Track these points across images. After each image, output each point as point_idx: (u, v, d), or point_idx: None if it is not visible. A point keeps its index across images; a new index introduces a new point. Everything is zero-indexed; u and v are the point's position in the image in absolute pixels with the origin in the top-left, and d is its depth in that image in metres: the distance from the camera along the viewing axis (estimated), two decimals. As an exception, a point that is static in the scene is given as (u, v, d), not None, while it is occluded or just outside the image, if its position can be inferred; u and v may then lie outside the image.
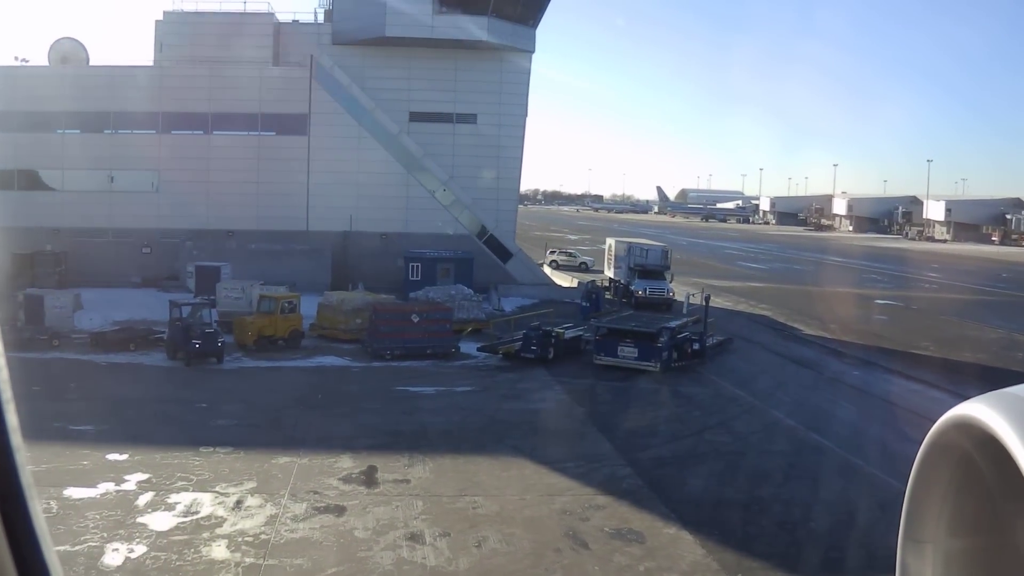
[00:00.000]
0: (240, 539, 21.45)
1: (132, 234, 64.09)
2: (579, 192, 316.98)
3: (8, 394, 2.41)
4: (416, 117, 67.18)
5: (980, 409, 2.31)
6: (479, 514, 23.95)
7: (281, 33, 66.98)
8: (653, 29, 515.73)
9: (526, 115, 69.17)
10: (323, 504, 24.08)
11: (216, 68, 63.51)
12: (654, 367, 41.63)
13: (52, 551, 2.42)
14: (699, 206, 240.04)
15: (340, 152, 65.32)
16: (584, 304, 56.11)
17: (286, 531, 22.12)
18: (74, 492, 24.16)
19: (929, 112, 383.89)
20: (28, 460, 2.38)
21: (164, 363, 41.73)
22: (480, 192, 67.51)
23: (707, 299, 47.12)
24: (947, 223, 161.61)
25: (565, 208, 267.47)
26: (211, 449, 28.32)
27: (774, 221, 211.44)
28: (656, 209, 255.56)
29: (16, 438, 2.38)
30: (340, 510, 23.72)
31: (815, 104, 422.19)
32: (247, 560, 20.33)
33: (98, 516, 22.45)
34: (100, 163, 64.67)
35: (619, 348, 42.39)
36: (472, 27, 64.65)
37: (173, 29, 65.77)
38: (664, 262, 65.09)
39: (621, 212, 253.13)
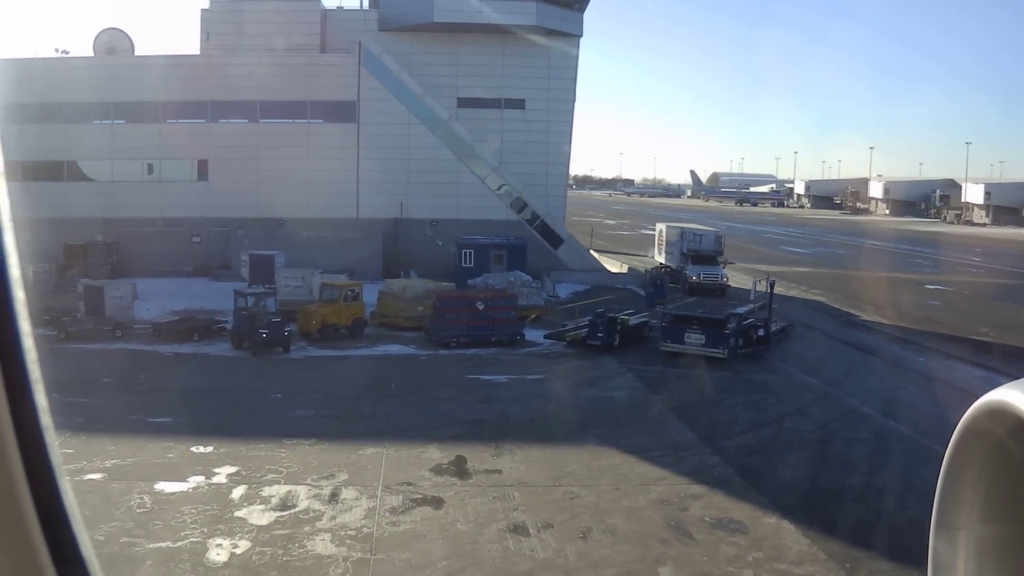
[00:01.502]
0: (343, 533, 21.07)
1: (182, 223, 64.02)
2: (610, 176, 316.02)
3: (37, 374, 2.34)
4: (464, 103, 66.70)
5: (1013, 395, 2.32)
6: (577, 505, 23.59)
7: (327, 19, 66.56)
8: (684, 12, 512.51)
9: (574, 99, 68.77)
10: (419, 496, 23.68)
11: (264, 56, 63.07)
12: (721, 354, 41.06)
13: (83, 528, 2.45)
14: (733, 190, 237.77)
15: (390, 139, 64.83)
16: (649, 291, 55.68)
17: (387, 524, 21.73)
18: (166, 486, 23.90)
19: (964, 94, 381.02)
20: (57, 439, 2.33)
21: (230, 353, 41.46)
22: (529, 178, 66.97)
23: (771, 285, 46.46)
24: (986, 206, 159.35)
25: (597, 192, 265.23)
26: (295, 440, 27.97)
27: (809, 205, 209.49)
28: (689, 193, 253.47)
29: (45, 418, 2.36)
30: (438, 502, 23.32)
31: (848, 87, 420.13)
32: (354, 555, 19.94)
33: (194, 511, 22.13)
34: (149, 153, 64.58)
35: (686, 335, 41.83)
36: (520, 12, 64.16)
37: (219, 17, 65.42)
38: (717, 247, 64.48)
39: (654, 196, 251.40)
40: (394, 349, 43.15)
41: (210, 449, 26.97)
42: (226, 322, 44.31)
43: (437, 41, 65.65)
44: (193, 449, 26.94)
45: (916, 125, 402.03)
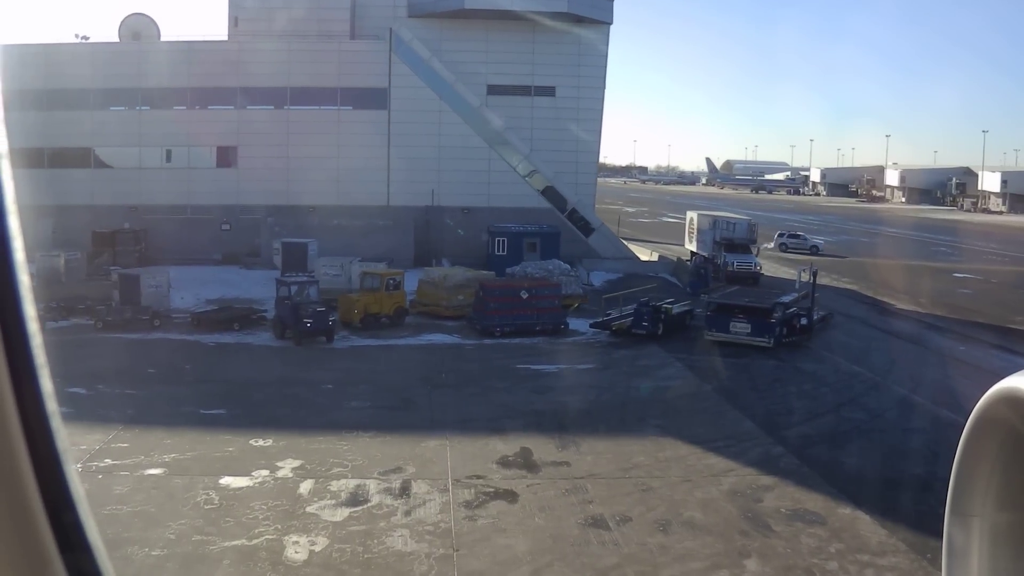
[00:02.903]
0: (420, 528, 20.62)
1: (210, 211, 63.46)
2: (624, 164, 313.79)
3: (42, 359, 2.29)
4: (494, 90, 66.00)
5: None
6: (652, 497, 23.26)
7: (356, 5, 65.65)
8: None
9: (604, 87, 67.92)
10: (491, 489, 23.25)
11: (293, 42, 62.53)
12: (767, 343, 40.76)
13: (88, 515, 2.39)
14: (748, 177, 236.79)
15: (421, 126, 64.18)
16: (692, 280, 55.40)
17: (464, 519, 21.30)
18: (231, 481, 23.39)
19: (981, 81, 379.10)
20: (64, 425, 2.33)
21: (272, 343, 40.83)
22: (559, 166, 66.42)
23: (815, 274, 45.95)
24: (1003, 194, 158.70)
25: (612, 180, 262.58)
26: (354, 433, 27.50)
27: (824, 193, 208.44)
28: (704, 181, 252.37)
29: (51, 403, 2.31)
30: (511, 496, 22.90)
31: (864, 74, 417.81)
32: (437, 551, 19.49)
33: (264, 506, 21.65)
34: (177, 140, 63.92)
35: (731, 324, 41.47)
36: (552, -2, 63.52)
37: (248, 3, 64.63)
38: (751, 236, 63.95)
39: (668, 184, 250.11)
40: (438, 338, 42.61)
41: (269, 442, 26.48)
42: (266, 311, 43.83)
43: (467, 28, 64.92)
44: (252, 442, 26.47)
45: (931, 113, 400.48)
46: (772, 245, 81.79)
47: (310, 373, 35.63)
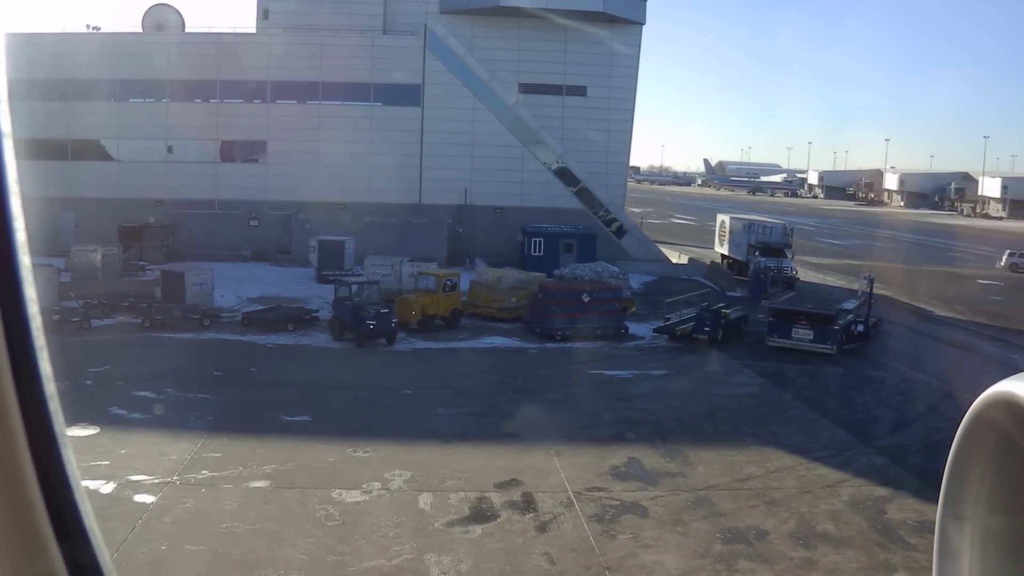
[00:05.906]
0: (561, 544, 19.94)
1: (239, 206, 62.33)
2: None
3: (41, 341, 2.22)
4: (526, 89, 65.10)
5: (1021, 386, 2.22)
6: (778, 511, 22.68)
7: (389, 0, 64.64)
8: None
9: (636, 88, 67.14)
10: (616, 502, 22.53)
11: (325, 37, 61.53)
12: (829, 350, 40.48)
13: (85, 499, 2.33)
14: (745, 179, 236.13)
15: (454, 124, 63.31)
16: (752, 285, 55.11)
17: (601, 534, 20.58)
18: (344, 495, 22.40)
19: (976, 88, 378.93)
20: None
21: (331, 344, 39.79)
22: (590, 166, 65.62)
23: (871, 281, 45.56)
24: (1003, 200, 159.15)
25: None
26: (453, 442, 26.72)
27: (822, 195, 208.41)
28: (700, 181, 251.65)
29: (50, 386, 2.25)
30: (640, 509, 22.19)
31: (859, 78, 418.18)
32: (588, 570, 18.79)
33: (390, 523, 20.73)
34: (204, 133, 62.55)
35: (793, 330, 40.94)
36: (588, -3, 62.71)
37: (279, -4, 63.58)
38: (786, 239, 63.32)
39: (664, 184, 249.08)
40: (499, 341, 41.72)
41: (369, 452, 25.57)
42: (317, 311, 42.82)
43: (498, 25, 63.93)
44: (351, 452, 25.58)
45: (928, 118, 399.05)
46: (1002, 263, 78.76)
47: (381, 377, 34.74)
